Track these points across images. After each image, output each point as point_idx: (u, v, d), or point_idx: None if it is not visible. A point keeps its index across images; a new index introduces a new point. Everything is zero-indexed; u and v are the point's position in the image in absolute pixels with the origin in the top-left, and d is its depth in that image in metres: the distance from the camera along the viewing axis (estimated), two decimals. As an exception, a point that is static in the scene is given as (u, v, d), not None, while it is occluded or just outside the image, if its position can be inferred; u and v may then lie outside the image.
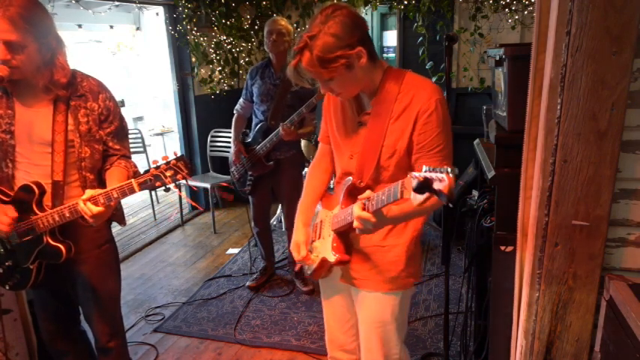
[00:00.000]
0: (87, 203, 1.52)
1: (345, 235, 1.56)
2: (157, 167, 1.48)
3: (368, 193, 1.30)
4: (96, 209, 1.52)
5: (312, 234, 1.70)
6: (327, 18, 1.31)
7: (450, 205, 1.10)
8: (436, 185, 1.01)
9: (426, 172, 1.04)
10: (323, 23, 1.31)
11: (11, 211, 1.63)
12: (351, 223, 1.38)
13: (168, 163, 1.48)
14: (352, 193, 1.51)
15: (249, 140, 3.17)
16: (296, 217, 1.73)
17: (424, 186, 1.03)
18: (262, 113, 3.11)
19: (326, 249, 1.59)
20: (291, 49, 3.01)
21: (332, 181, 1.77)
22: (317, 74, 1.36)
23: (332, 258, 1.53)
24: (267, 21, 3.05)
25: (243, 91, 3.21)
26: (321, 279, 1.77)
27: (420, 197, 1.04)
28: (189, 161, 1.52)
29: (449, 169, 1.01)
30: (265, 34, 3.00)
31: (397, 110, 1.42)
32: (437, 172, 1.02)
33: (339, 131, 1.60)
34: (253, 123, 3.20)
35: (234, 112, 3.26)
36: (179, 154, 1.51)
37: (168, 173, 1.47)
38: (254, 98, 3.13)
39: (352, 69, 1.36)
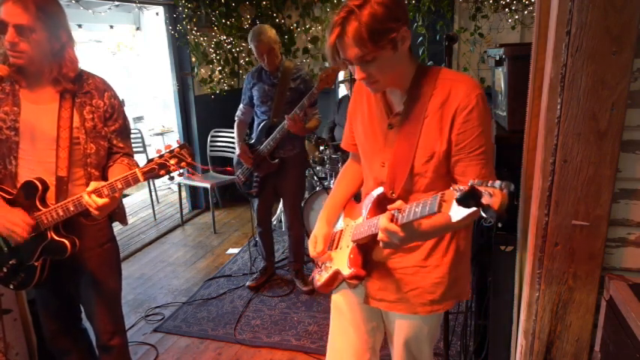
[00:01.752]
0: (91, 195, 1.52)
1: (366, 249, 1.43)
2: (161, 156, 1.49)
3: (399, 203, 1.17)
4: (101, 201, 1.52)
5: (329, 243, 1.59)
6: None
7: (500, 225, 0.97)
8: (485, 200, 0.86)
9: (472, 184, 0.89)
10: None
11: (27, 217, 1.63)
12: (375, 235, 1.25)
13: (171, 151, 1.50)
14: (381, 204, 1.36)
15: (253, 141, 3.18)
16: (320, 214, 1.60)
17: (470, 197, 0.87)
18: (263, 113, 3.12)
19: (341, 261, 1.45)
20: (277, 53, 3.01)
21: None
22: (362, 50, 1.18)
23: (346, 271, 1.40)
24: (250, 36, 2.97)
25: (242, 97, 3.23)
26: (336, 306, 1.62)
27: (463, 212, 0.90)
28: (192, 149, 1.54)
29: (502, 184, 0.87)
30: (255, 52, 2.98)
31: (433, 108, 1.27)
32: (486, 185, 0.88)
33: (366, 137, 1.44)
34: (255, 123, 3.21)
35: (235, 118, 3.28)
36: (182, 142, 1.52)
37: (172, 161, 1.48)
38: (254, 101, 3.14)
39: (397, 50, 1.21)
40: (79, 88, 1.68)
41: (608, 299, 1.22)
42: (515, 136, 1.54)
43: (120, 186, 1.51)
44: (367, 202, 1.42)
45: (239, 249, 4.15)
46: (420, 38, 4.27)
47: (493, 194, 0.86)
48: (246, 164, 3.18)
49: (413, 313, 1.44)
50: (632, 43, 1.07)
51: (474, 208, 0.88)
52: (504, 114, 1.77)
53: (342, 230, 1.57)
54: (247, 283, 3.46)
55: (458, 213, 0.92)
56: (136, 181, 1.50)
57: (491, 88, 2.09)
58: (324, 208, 1.61)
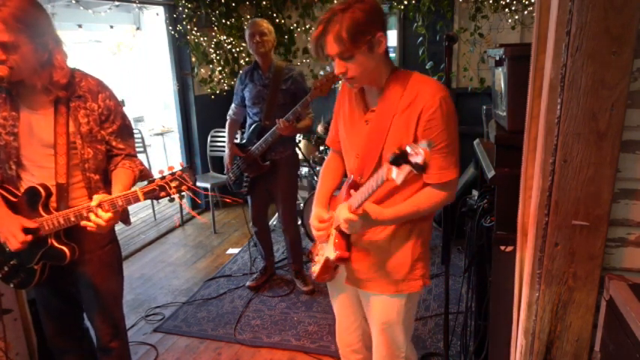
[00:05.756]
0: (98, 211, 1.53)
1: (347, 233, 1.57)
2: (163, 178, 1.49)
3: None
4: (106, 215, 1.53)
5: None
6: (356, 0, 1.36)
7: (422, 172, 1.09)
8: (412, 158, 1.03)
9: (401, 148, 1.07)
10: (353, 3, 1.35)
11: (28, 222, 1.62)
12: None
13: (173, 174, 1.49)
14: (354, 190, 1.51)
15: (244, 142, 3.18)
16: (313, 204, 1.75)
17: (400, 157, 1.04)
18: (255, 115, 3.11)
19: (328, 248, 1.60)
20: (270, 50, 3.02)
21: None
22: (340, 48, 1.36)
23: (332, 255, 1.54)
24: (247, 25, 3.03)
25: (234, 97, 3.22)
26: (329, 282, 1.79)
27: (401, 173, 1.05)
28: (194, 172, 1.54)
29: (425, 143, 1.04)
30: (247, 36, 3.00)
31: (402, 106, 1.45)
32: (415, 147, 1.04)
33: (346, 132, 1.63)
34: (247, 124, 3.21)
35: (227, 117, 3.28)
36: (185, 165, 1.52)
37: (173, 184, 1.48)
38: (246, 102, 3.13)
39: (372, 52, 1.39)
40: (72, 92, 1.65)
41: (608, 299, 1.22)
42: (515, 136, 1.54)
43: (120, 203, 1.52)
44: (343, 192, 1.59)
45: (239, 249, 4.15)
46: (420, 38, 4.27)
47: (419, 153, 1.02)
48: (229, 165, 3.19)
49: (381, 292, 1.62)
50: (632, 43, 1.07)
51: (408, 168, 1.04)
52: (504, 114, 1.77)
53: None
54: (247, 283, 3.46)
55: (398, 175, 1.06)
56: (137, 200, 1.50)
57: (492, 88, 2.08)
58: (315, 198, 1.76)
